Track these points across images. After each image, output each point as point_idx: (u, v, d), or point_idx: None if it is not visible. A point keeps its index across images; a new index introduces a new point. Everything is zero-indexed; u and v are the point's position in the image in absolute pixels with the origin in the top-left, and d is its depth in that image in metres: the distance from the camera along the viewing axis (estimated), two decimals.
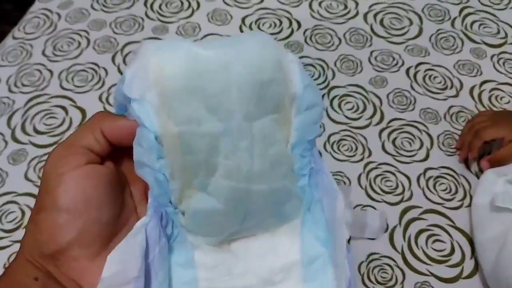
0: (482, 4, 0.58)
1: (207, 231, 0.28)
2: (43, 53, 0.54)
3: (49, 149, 0.46)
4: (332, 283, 0.27)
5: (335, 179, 0.44)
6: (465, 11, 0.58)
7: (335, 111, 0.49)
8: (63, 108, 0.49)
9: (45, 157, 0.46)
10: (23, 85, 0.51)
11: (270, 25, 0.57)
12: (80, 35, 0.56)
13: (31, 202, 0.43)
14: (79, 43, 0.55)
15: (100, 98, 0.50)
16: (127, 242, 0.24)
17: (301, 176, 0.27)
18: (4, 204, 0.43)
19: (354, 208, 0.43)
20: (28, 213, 0.43)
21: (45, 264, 0.24)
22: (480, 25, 0.56)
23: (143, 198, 0.28)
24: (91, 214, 0.24)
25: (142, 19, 0.57)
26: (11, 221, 0.42)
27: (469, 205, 0.42)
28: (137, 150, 0.25)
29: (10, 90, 0.51)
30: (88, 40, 0.55)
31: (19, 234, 0.35)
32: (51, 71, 0.52)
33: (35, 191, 0.44)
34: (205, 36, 0.56)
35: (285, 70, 0.26)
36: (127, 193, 0.28)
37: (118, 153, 0.27)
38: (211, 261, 0.28)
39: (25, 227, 0.26)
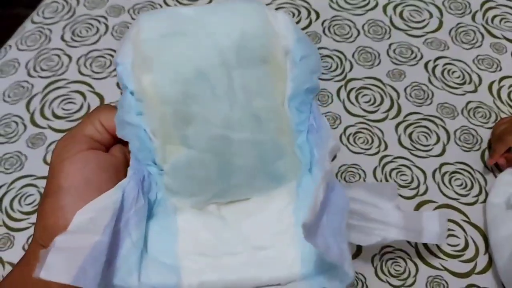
0: None
1: (190, 188, 0.27)
2: (62, 38, 0.54)
3: None
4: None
5: (350, 172, 0.44)
6: (487, 5, 0.57)
7: (351, 103, 0.49)
8: (81, 93, 0.50)
9: None
10: (42, 69, 0.52)
11: (289, 15, 0.56)
12: (99, 21, 0.56)
13: None
14: (98, 29, 0.55)
15: (117, 85, 0.50)
16: (102, 199, 0.24)
17: (299, 133, 0.27)
18: (23, 187, 0.44)
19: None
20: None
21: None
22: (502, 19, 0.55)
23: None
24: (92, 196, 0.25)
25: (160, 5, 0.57)
26: (29, 204, 0.43)
27: (484, 201, 0.42)
28: (118, 112, 0.26)
29: (29, 74, 0.52)
30: (107, 26, 0.55)
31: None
32: (69, 56, 0.53)
33: None
34: None
35: (274, 25, 0.26)
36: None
37: (124, 143, 0.28)
38: (195, 226, 0.27)
39: (36, 214, 0.27)
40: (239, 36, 0.25)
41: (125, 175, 0.26)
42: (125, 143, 0.27)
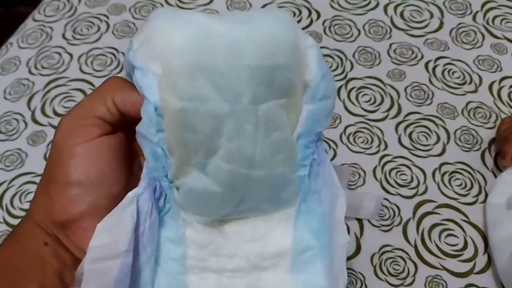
0: None
1: (201, 210, 0.27)
2: (63, 36, 0.55)
3: None
4: (320, 277, 0.26)
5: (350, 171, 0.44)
6: (488, 6, 0.57)
7: (352, 103, 0.49)
8: (82, 91, 0.50)
9: None
10: (43, 67, 0.52)
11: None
12: (100, 19, 0.56)
13: None
14: (99, 27, 0.55)
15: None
16: (117, 213, 0.23)
17: (302, 166, 0.27)
18: (23, 184, 0.44)
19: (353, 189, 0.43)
20: None
21: (55, 231, 0.24)
22: (502, 20, 0.56)
23: None
24: (103, 188, 0.24)
25: (161, 4, 0.57)
26: (30, 201, 0.43)
27: (484, 201, 0.42)
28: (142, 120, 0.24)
29: (30, 72, 0.52)
30: (108, 25, 0.56)
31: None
32: (70, 55, 0.53)
33: None
34: None
35: (302, 55, 0.24)
36: (137, 164, 0.27)
37: (130, 122, 0.26)
38: (202, 240, 0.27)
39: (35, 193, 0.26)
40: (272, 69, 0.23)
41: (129, 159, 0.26)
42: (135, 122, 0.26)
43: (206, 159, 0.25)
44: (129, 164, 0.26)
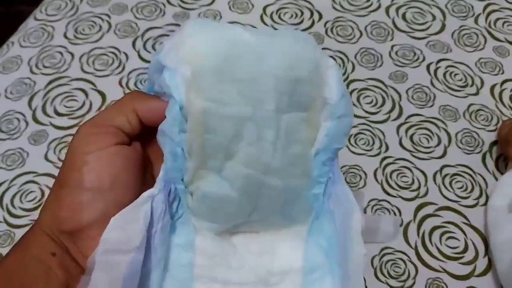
0: (507, 1, 0.57)
1: (213, 217, 0.27)
2: (65, 36, 0.55)
3: (69, 131, 0.47)
4: None
5: (351, 172, 0.44)
6: (490, 8, 0.57)
7: (353, 104, 0.49)
8: (84, 91, 0.50)
9: (65, 139, 0.47)
10: (44, 66, 0.52)
11: (292, 15, 0.56)
12: (102, 19, 0.56)
13: (51, 182, 0.44)
14: (100, 27, 0.55)
15: (120, 83, 0.51)
16: (132, 209, 0.23)
17: (318, 184, 0.27)
18: (24, 183, 0.44)
19: (366, 208, 0.43)
20: (47, 193, 0.44)
21: (63, 240, 0.24)
22: (504, 22, 0.55)
23: None
24: (114, 196, 0.24)
25: (164, 4, 0.57)
26: (30, 201, 0.43)
27: (485, 204, 0.42)
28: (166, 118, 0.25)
29: (31, 71, 0.52)
30: (110, 24, 0.55)
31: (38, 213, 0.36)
32: (72, 54, 0.53)
33: (55, 172, 0.44)
34: None
35: (322, 73, 0.25)
36: (149, 173, 0.27)
37: (146, 134, 0.26)
38: (211, 249, 0.27)
39: (45, 200, 0.25)
40: (294, 81, 0.24)
41: (142, 169, 0.26)
42: (151, 132, 0.26)
43: (224, 162, 0.25)
44: (142, 175, 0.26)
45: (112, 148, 0.24)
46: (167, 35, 0.54)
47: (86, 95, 0.50)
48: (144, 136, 0.26)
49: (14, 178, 0.44)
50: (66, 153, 0.25)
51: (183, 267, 0.26)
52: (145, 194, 0.24)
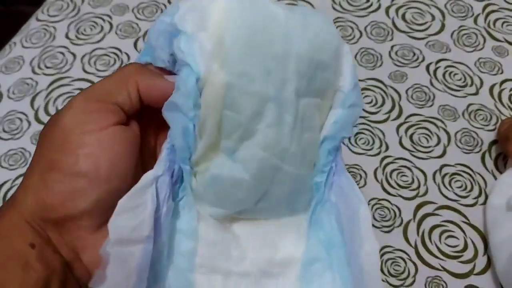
0: (506, 2, 0.58)
1: (219, 202, 0.25)
2: (67, 36, 0.55)
3: None
4: None
5: (351, 172, 0.44)
6: (489, 8, 0.57)
7: None
8: None
9: None
10: (46, 67, 0.52)
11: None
12: (103, 20, 0.56)
13: None
14: (102, 27, 0.56)
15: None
16: (139, 193, 0.21)
17: (321, 172, 0.26)
18: None
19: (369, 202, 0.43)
20: None
21: (46, 229, 0.21)
22: (504, 23, 0.56)
23: None
24: (112, 184, 0.21)
25: (165, 5, 0.58)
26: None
27: (484, 203, 0.43)
28: (175, 90, 0.22)
29: (33, 72, 0.52)
30: (111, 25, 0.56)
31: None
32: (74, 54, 0.53)
33: None
34: None
35: (340, 60, 0.24)
36: (148, 159, 0.25)
37: (144, 112, 0.24)
38: (212, 237, 0.25)
39: (21, 185, 0.22)
40: (316, 65, 0.23)
41: (141, 154, 0.24)
42: (148, 111, 0.24)
43: (239, 143, 0.23)
44: (139, 160, 0.24)
45: (111, 130, 0.21)
46: None
47: None
48: (143, 115, 0.24)
49: (17, 178, 0.44)
50: (55, 128, 0.21)
51: (184, 256, 0.25)
52: (149, 174, 0.22)
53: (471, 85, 0.51)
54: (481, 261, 0.40)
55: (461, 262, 0.40)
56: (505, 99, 0.50)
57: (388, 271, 0.39)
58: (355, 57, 0.53)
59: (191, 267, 0.25)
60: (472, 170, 0.45)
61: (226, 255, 0.26)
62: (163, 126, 0.24)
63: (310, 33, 0.23)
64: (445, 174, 0.45)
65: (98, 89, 0.22)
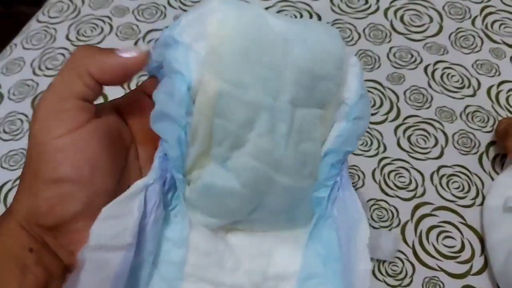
0: (504, 3, 0.58)
1: (212, 211, 0.25)
2: (67, 38, 0.55)
3: None
4: None
5: (349, 173, 0.44)
6: (486, 10, 0.57)
7: None
8: None
9: None
10: (47, 68, 0.53)
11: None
12: (103, 21, 0.57)
13: None
14: (102, 29, 0.56)
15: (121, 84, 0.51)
16: (125, 200, 0.21)
17: (323, 187, 0.25)
18: None
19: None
20: None
21: (42, 234, 0.21)
22: (501, 25, 0.56)
23: (151, 161, 0.24)
24: (97, 183, 0.21)
25: (165, 7, 0.58)
26: None
27: (481, 204, 0.43)
28: (162, 100, 0.22)
29: (34, 73, 0.52)
30: (111, 26, 0.56)
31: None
32: None
33: None
34: None
35: (344, 71, 0.24)
36: (132, 154, 0.24)
37: (124, 107, 0.24)
38: (204, 247, 0.25)
39: (17, 192, 0.22)
40: (316, 76, 0.23)
41: (122, 145, 0.23)
42: (129, 105, 0.23)
43: (230, 151, 0.23)
44: (124, 152, 0.24)
45: (85, 129, 0.21)
46: None
47: None
48: (123, 110, 0.24)
49: (17, 179, 0.45)
50: (29, 139, 0.21)
51: (173, 265, 0.24)
52: (139, 183, 0.22)
53: (468, 87, 0.51)
54: (478, 262, 0.40)
55: (458, 262, 0.40)
56: (502, 100, 0.50)
57: (386, 271, 0.40)
58: None
59: (180, 277, 0.24)
60: (469, 171, 0.45)
61: (219, 265, 0.25)
62: (138, 105, 0.24)
63: (310, 44, 0.23)
64: (443, 175, 0.45)
65: (55, 87, 0.21)
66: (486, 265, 0.40)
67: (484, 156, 0.46)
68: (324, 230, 0.26)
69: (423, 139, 0.47)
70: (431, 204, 0.43)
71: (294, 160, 0.24)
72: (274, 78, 0.22)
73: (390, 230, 0.42)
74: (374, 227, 0.42)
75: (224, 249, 0.26)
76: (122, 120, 0.24)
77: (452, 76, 0.52)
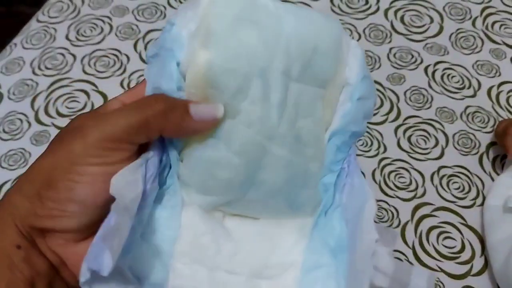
0: (504, 4, 0.58)
1: (205, 186, 0.24)
2: (67, 37, 0.55)
3: None
4: None
5: None
6: (487, 11, 0.57)
7: None
8: (85, 92, 0.51)
9: None
10: (47, 68, 0.53)
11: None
12: (103, 21, 0.57)
13: None
14: (102, 29, 0.56)
15: (121, 84, 0.51)
16: (132, 170, 0.21)
17: (330, 172, 0.25)
18: None
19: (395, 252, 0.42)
20: None
21: (32, 234, 0.22)
22: (501, 25, 0.56)
23: None
24: (102, 212, 0.22)
25: (164, 7, 0.58)
26: None
27: (481, 204, 0.43)
28: (153, 76, 0.23)
29: (34, 73, 0.52)
30: (111, 26, 0.56)
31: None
32: (74, 56, 0.54)
33: None
34: None
35: (344, 52, 0.24)
36: None
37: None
38: (199, 227, 0.24)
39: (19, 188, 0.22)
40: (311, 49, 0.23)
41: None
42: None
43: (222, 122, 0.23)
44: None
45: (119, 165, 0.22)
46: None
47: (88, 96, 0.50)
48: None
49: (17, 178, 0.45)
50: (62, 147, 0.22)
51: (164, 242, 0.24)
52: (141, 157, 0.22)
53: (468, 88, 0.51)
54: (478, 262, 0.40)
55: (458, 263, 0.40)
56: (502, 101, 0.50)
57: None
58: None
59: (169, 253, 0.24)
60: (469, 172, 0.45)
61: (214, 248, 0.24)
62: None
63: (304, 19, 0.23)
64: (443, 176, 0.45)
65: (117, 128, 0.21)
66: (486, 265, 0.40)
67: (485, 157, 0.46)
68: (334, 220, 0.25)
69: (423, 140, 0.47)
70: (431, 204, 0.43)
71: (290, 134, 0.23)
72: (265, 47, 0.22)
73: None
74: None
75: (222, 232, 0.25)
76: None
77: (453, 76, 0.52)
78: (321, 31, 0.23)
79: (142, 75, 0.52)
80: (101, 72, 0.52)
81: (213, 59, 0.22)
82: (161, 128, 0.22)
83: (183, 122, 0.22)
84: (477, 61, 0.53)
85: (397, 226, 0.42)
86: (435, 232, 0.42)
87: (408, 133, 0.48)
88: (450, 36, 0.55)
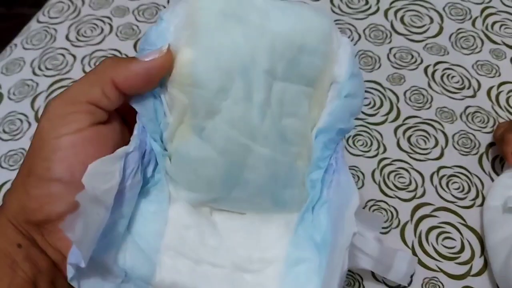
0: (504, 5, 0.58)
1: (192, 184, 0.25)
2: (67, 38, 0.55)
3: None
4: None
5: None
6: (487, 11, 0.57)
7: None
8: None
9: None
10: (47, 68, 0.53)
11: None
12: (103, 21, 0.57)
13: None
14: (102, 29, 0.56)
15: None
16: (109, 161, 0.21)
17: (317, 168, 0.25)
18: None
19: (363, 209, 0.43)
20: None
21: (30, 231, 0.22)
22: (501, 25, 0.56)
23: None
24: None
25: (165, 7, 0.58)
26: None
27: (481, 205, 0.43)
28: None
29: (34, 73, 0.52)
30: (111, 27, 0.56)
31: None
32: (74, 56, 0.54)
33: None
34: None
35: (334, 49, 0.23)
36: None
37: (124, 111, 0.24)
38: (185, 221, 0.25)
39: (11, 188, 0.23)
40: (298, 48, 0.23)
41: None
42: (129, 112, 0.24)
43: (206, 120, 0.23)
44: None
45: (86, 132, 0.21)
46: None
47: None
48: (125, 109, 0.24)
49: None
50: (34, 134, 0.22)
51: (150, 236, 0.24)
52: (120, 150, 0.22)
53: (468, 88, 0.51)
54: (478, 263, 0.40)
55: (458, 263, 0.40)
56: (502, 101, 0.50)
57: None
58: None
59: (156, 248, 0.24)
60: (469, 172, 0.45)
61: (199, 241, 0.25)
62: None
63: (292, 16, 0.23)
64: (443, 176, 0.45)
65: (72, 89, 0.22)
66: (486, 266, 0.40)
67: (484, 157, 0.46)
68: (321, 216, 0.25)
69: (423, 140, 0.47)
70: (431, 204, 0.43)
71: (273, 133, 0.23)
72: (249, 44, 0.22)
73: (389, 230, 0.42)
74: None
75: (207, 225, 0.25)
76: (118, 117, 0.24)
77: (452, 77, 0.52)
78: (309, 27, 0.23)
79: None
80: None
81: (195, 57, 0.22)
82: (113, 77, 0.22)
83: (131, 64, 0.22)
84: (477, 61, 0.53)
85: (397, 226, 0.42)
86: (434, 232, 0.42)
87: (408, 133, 0.48)
88: (450, 36, 0.55)
